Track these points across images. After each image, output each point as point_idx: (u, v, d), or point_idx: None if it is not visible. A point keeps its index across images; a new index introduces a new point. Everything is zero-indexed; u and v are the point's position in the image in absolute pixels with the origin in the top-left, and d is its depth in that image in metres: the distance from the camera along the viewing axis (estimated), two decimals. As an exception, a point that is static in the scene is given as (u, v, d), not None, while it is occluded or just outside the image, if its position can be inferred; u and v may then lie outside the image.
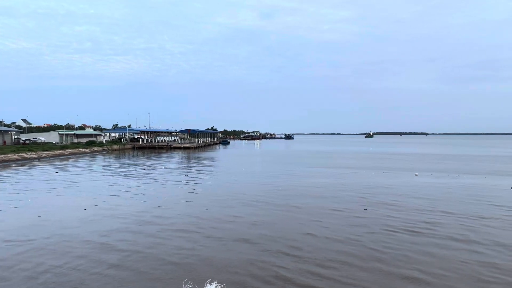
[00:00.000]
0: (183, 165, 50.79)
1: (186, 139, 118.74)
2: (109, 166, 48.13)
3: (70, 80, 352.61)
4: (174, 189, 28.30)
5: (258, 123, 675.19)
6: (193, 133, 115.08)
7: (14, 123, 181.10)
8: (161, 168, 45.34)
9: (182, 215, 19.07)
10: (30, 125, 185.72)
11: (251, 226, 17.02)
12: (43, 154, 58.24)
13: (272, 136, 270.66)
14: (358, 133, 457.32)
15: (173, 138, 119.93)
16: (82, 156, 65.88)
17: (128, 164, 50.26)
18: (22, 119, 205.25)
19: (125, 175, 37.00)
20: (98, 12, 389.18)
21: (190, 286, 5.42)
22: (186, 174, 38.66)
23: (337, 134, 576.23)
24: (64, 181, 32.35)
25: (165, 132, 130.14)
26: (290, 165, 49.06)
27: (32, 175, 36.36)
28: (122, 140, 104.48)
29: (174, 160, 60.23)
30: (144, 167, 45.63)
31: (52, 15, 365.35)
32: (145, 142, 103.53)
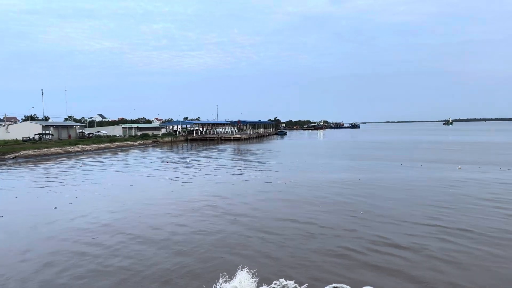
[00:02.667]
0: (224, 159, 48.42)
1: (243, 130, 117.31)
2: (139, 159, 47.44)
3: (148, 76, 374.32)
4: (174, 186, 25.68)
5: (326, 113, 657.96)
6: (243, 124, 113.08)
7: (92, 117, 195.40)
8: (189, 163, 43.36)
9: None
10: (105, 119, 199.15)
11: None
12: (87, 147, 59.80)
13: (337, 126, 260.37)
14: (436, 120, 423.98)
15: (230, 130, 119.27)
16: (128, 149, 66.82)
17: (159, 158, 49.22)
18: (99, 114, 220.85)
19: (140, 170, 35.43)
20: (172, 10, 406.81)
21: (224, 273, 5.60)
22: (200, 168, 36.07)
23: (414, 121, 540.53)
24: (67, 176, 31.46)
25: (224, 123, 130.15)
26: (348, 158, 44.18)
27: (47, 170, 36.31)
28: (177, 132, 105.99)
29: (214, 153, 58.22)
30: (167, 161, 44.03)
31: (131, 15, 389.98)
32: (199, 134, 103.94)
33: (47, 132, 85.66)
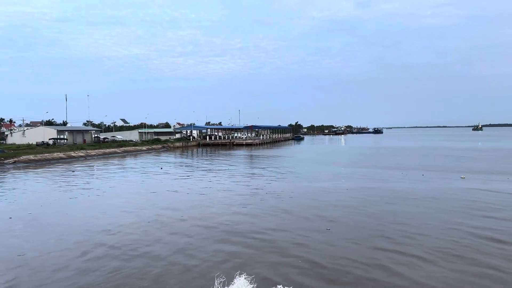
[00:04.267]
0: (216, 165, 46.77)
1: (258, 135, 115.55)
2: (138, 164, 46.38)
3: (174, 81, 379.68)
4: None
5: (351, 118, 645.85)
6: (256, 129, 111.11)
7: (114, 122, 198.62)
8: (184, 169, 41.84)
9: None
10: (127, 124, 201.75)
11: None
12: (92, 152, 59.46)
13: (359, 131, 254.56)
14: (465, 125, 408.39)
15: (247, 134, 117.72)
16: (135, 154, 66.23)
17: (164, 163, 48.05)
18: (121, 119, 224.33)
19: (131, 178, 34.16)
20: (198, 16, 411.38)
21: (222, 280, 5.53)
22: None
23: (443, 127, 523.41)
24: (42, 183, 30.46)
25: (238, 128, 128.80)
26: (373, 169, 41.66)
27: (36, 175, 35.59)
28: (191, 137, 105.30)
29: (221, 159, 56.64)
30: (161, 167, 42.67)
31: (158, 22, 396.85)
32: (212, 139, 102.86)
33: (61, 136, 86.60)
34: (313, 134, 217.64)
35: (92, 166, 45.08)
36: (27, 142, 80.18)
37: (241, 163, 47.72)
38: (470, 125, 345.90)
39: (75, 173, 37.45)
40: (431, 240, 13.61)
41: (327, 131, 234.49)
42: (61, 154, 53.34)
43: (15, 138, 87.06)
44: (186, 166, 44.84)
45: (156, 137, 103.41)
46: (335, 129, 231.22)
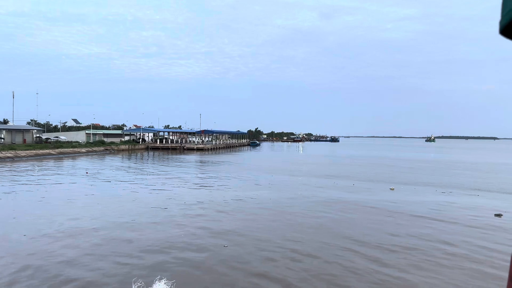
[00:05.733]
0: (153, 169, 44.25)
1: (213, 140, 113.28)
2: (63, 168, 43.08)
3: (136, 82, 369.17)
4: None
5: (311, 125, 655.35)
6: (208, 133, 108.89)
7: (65, 122, 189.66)
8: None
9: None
10: (78, 125, 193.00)
11: None
12: (22, 153, 55.19)
13: (317, 139, 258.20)
14: (419, 136, 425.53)
15: (202, 139, 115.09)
16: (73, 157, 62.33)
17: (88, 167, 44.92)
18: (73, 119, 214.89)
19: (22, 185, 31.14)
20: (163, 17, 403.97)
21: (139, 284, 5.20)
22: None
23: (398, 137, 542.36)
24: None
25: (194, 132, 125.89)
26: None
27: None
28: (140, 140, 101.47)
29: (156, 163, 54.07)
30: (87, 172, 39.72)
31: (120, 21, 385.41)
32: (163, 142, 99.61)
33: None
34: (272, 141, 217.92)
35: (19, 169, 41.35)
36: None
37: (177, 167, 45.54)
38: (424, 136, 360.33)
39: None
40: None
41: (285, 138, 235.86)
42: (-18, 155, 48.88)
43: None
44: (114, 169, 42.09)
45: (102, 139, 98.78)
46: (294, 137, 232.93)
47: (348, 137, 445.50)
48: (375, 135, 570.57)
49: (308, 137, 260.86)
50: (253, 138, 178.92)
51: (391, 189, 28.92)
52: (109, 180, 32.17)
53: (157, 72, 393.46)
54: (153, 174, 37.73)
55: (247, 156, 76.57)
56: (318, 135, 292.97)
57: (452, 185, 32.07)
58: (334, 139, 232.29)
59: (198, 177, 35.89)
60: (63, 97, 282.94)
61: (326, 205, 21.96)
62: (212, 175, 37.27)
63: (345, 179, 35.01)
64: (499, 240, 15.04)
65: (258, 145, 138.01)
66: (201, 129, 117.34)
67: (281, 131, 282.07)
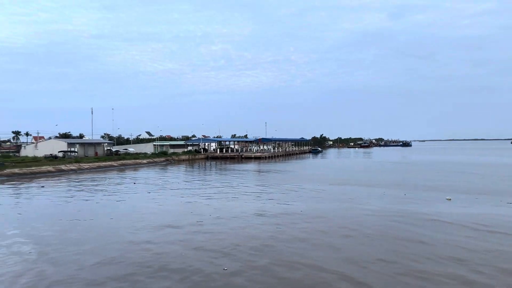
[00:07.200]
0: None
1: (283, 147, 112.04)
2: (116, 179, 44.56)
3: (206, 95, 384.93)
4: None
5: (383, 130, 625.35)
6: (265, 142, 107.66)
7: (139, 135, 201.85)
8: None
9: None
10: (152, 137, 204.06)
11: None
12: (85, 165, 58.50)
13: (387, 143, 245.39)
14: (504, 138, 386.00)
15: (258, 147, 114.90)
16: (133, 167, 64.93)
17: (144, 178, 46.02)
18: (146, 132, 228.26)
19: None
20: (230, 31, 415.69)
21: None
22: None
23: (480, 139, 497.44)
24: None
25: (252, 141, 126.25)
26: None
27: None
28: (203, 150, 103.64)
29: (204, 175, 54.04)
30: (134, 182, 40.42)
31: (191, 38, 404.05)
32: (223, 152, 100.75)
33: (71, 149, 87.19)
34: (338, 147, 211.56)
35: (75, 182, 43.64)
36: (39, 155, 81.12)
37: (230, 177, 44.88)
38: (509, 138, 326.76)
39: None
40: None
41: (352, 144, 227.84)
42: (50, 168, 52.53)
43: (28, 151, 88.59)
44: (164, 179, 42.48)
45: (167, 149, 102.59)
46: (361, 142, 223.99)
47: (424, 141, 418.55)
48: (454, 138, 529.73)
49: (378, 143, 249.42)
50: (316, 145, 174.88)
51: (447, 199, 25.19)
52: (149, 191, 32.24)
53: (226, 83, 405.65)
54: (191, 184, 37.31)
55: (304, 164, 74.15)
56: (389, 140, 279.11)
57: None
58: (406, 144, 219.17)
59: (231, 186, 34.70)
60: (138, 111, 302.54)
61: (388, 218, 19.39)
62: (258, 184, 35.82)
63: (400, 188, 31.47)
64: None
65: (320, 152, 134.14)
66: (264, 137, 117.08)
67: (348, 137, 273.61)
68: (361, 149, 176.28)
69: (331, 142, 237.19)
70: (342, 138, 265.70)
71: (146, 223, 19.16)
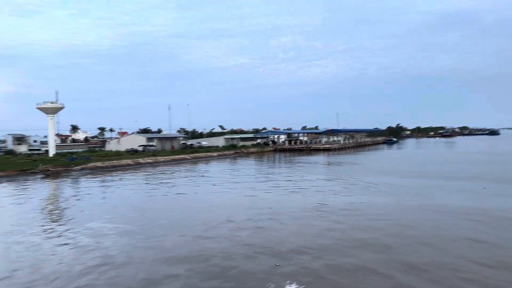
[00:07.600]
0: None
1: (354, 138, 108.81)
2: (184, 172, 46.47)
3: (276, 87, 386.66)
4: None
5: (467, 118, 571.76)
6: (334, 133, 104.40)
7: (212, 129, 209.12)
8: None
9: None
10: (224, 130, 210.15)
11: None
12: (161, 159, 61.87)
13: (471, 132, 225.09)
14: None
15: (327, 139, 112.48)
16: (203, 160, 67.32)
17: (212, 170, 47.51)
18: (219, 125, 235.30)
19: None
20: (300, 22, 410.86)
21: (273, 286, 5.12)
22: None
23: None
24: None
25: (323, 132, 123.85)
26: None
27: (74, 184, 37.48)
28: (272, 142, 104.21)
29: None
30: (202, 175, 41.71)
31: (262, 31, 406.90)
32: (292, 144, 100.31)
33: (150, 143, 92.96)
34: (417, 137, 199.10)
35: (151, 174, 46.42)
36: (121, 149, 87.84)
37: (297, 170, 44.53)
38: None
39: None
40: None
41: (432, 133, 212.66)
42: (129, 161, 56.46)
43: (111, 146, 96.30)
44: (231, 172, 43.36)
45: (237, 142, 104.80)
46: (442, 131, 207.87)
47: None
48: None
49: (461, 131, 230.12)
50: (392, 135, 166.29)
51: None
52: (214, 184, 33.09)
53: (296, 75, 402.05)
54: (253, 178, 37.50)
55: (376, 155, 70.97)
56: (475, 128, 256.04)
57: None
58: (493, 132, 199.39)
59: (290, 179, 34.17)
60: (211, 105, 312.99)
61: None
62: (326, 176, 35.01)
63: (481, 181, 28.61)
64: None
65: (395, 142, 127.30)
66: (333, 129, 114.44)
67: (428, 126, 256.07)
68: (442, 139, 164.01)
69: (409, 132, 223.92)
70: (421, 127, 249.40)
71: (207, 214, 19.61)
